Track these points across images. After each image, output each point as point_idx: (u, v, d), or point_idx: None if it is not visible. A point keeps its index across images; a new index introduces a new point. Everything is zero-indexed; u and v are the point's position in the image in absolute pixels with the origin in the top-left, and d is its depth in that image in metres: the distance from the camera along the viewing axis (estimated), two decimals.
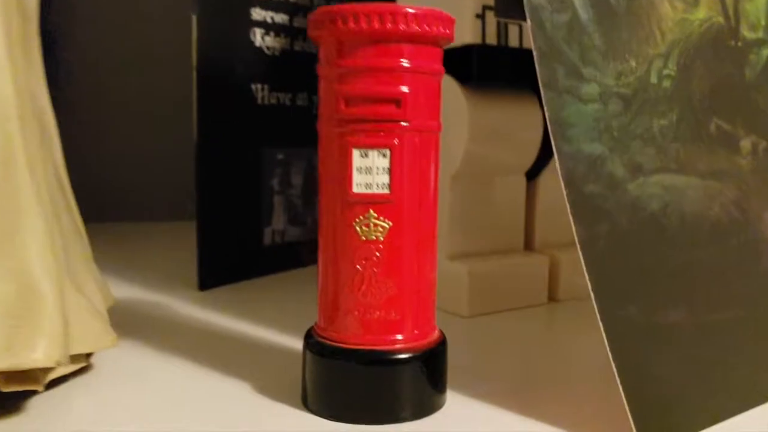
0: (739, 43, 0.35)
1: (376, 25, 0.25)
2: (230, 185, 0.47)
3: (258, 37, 0.48)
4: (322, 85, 0.27)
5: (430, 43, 0.26)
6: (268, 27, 0.48)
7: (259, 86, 0.48)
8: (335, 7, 0.25)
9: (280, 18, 0.49)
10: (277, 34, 0.49)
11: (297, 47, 0.51)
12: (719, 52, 0.34)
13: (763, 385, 0.30)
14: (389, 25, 0.25)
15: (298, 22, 0.50)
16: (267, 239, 0.50)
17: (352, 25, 0.25)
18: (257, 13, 0.48)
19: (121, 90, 0.72)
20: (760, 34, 0.37)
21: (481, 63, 0.40)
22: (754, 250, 0.33)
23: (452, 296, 0.41)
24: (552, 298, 0.45)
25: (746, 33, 0.36)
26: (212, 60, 0.45)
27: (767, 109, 0.36)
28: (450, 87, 0.40)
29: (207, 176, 0.45)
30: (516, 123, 0.42)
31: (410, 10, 0.25)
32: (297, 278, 0.51)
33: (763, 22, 0.37)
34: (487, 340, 0.38)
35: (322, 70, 0.27)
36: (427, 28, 0.25)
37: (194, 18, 0.44)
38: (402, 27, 0.25)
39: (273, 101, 0.49)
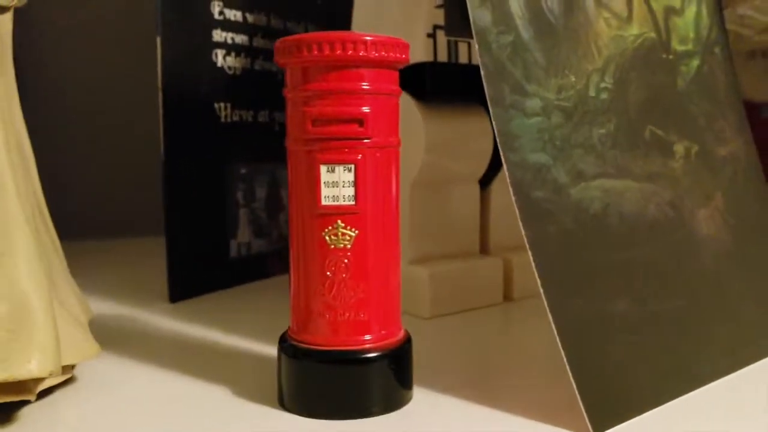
0: (671, 56, 0.38)
1: (339, 51, 0.27)
2: (197, 201, 0.49)
3: (220, 57, 0.50)
4: (290, 107, 0.29)
5: (388, 66, 0.28)
6: (228, 48, 0.50)
7: (222, 105, 0.50)
8: (300, 37, 0.27)
9: (240, 39, 0.51)
10: (237, 54, 0.51)
11: (257, 66, 0.53)
12: (652, 64, 0.37)
13: (704, 368, 0.33)
14: (350, 51, 0.27)
15: (257, 42, 0.53)
16: (233, 252, 0.52)
17: (316, 52, 0.27)
18: (218, 35, 0.49)
19: (87, 111, 0.73)
20: (690, 47, 0.40)
21: (434, 79, 0.43)
22: (689, 245, 0.36)
23: (414, 298, 0.44)
24: (507, 297, 0.48)
25: (677, 46, 0.39)
26: (177, 80, 0.47)
27: (698, 116, 0.39)
28: (406, 102, 0.43)
29: (174, 192, 0.47)
30: (468, 134, 0.44)
31: (368, 38, 0.27)
32: (263, 288, 0.53)
33: (692, 35, 0.40)
34: (447, 339, 0.40)
35: (289, 93, 0.29)
36: (384, 54, 0.28)
37: (158, 40, 0.45)
38: (362, 53, 0.27)
39: (236, 119, 0.51)
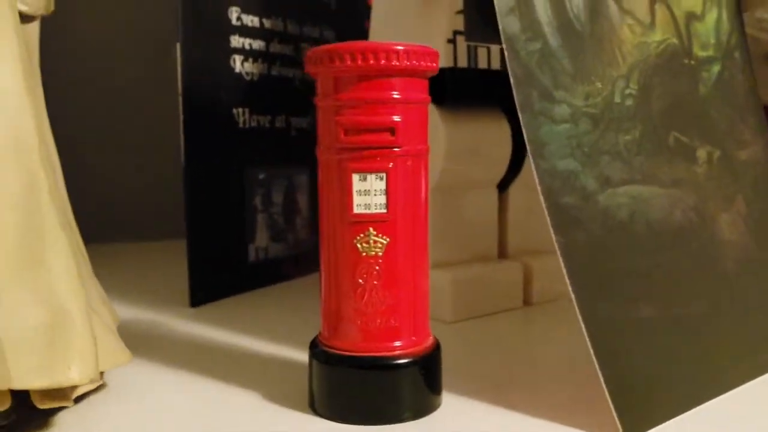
0: (693, 62, 0.39)
1: (371, 61, 0.27)
2: (216, 206, 0.49)
3: (237, 63, 0.50)
4: (321, 116, 0.29)
5: (418, 75, 0.29)
6: (246, 53, 0.51)
7: (240, 110, 0.50)
8: (332, 46, 0.28)
9: (258, 44, 0.51)
10: (255, 60, 0.51)
11: (274, 72, 0.53)
12: (675, 70, 0.37)
13: (726, 373, 0.33)
14: (382, 61, 0.27)
15: (274, 48, 0.53)
16: (252, 256, 0.52)
17: (348, 62, 0.27)
18: (236, 41, 0.50)
19: (111, 117, 0.74)
20: (711, 52, 0.40)
21: (454, 85, 0.43)
22: (713, 251, 0.36)
23: (436, 303, 0.44)
24: (527, 301, 0.48)
25: (698, 52, 0.39)
26: (196, 86, 0.47)
27: (720, 121, 0.39)
28: None
29: (195, 198, 0.47)
30: (487, 140, 0.45)
31: (399, 47, 0.27)
32: (281, 291, 0.53)
33: (713, 41, 0.40)
34: (471, 343, 0.40)
35: (321, 102, 0.29)
36: (415, 63, 0.28)
37: (178, 47, 0.46)
38: (394, 63, 0.27)
39: (254, 124, 0.52)
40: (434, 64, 0.29)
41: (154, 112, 0.67)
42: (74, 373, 0.26)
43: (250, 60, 0.51)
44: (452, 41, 0.43)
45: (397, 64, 0.27)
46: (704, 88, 0.39)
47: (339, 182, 0.29)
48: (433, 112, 0.43)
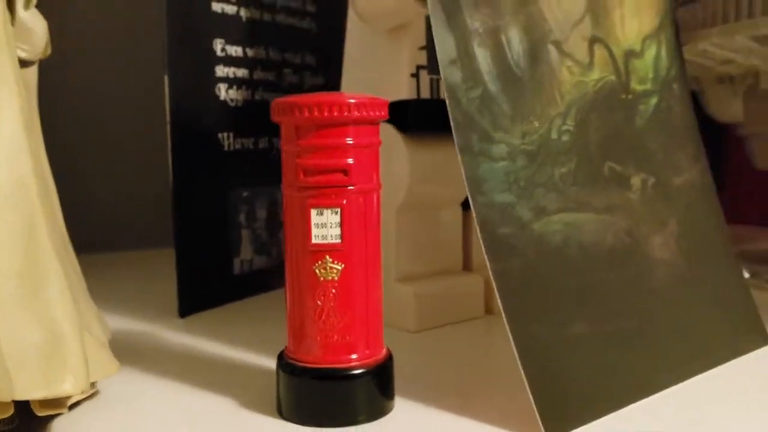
0: (630, 96, 0.43)
1: (326, 113, 0.31)
2: (202, 222, 0.53)
3: (222, 91, 0.54)
4: (284, 158, 0.33)
5: (369, 123, 0.33)
6: (230, 81, 0.55)
7: (225, 134, 0.54)
8: (293, 99, 0.32)
9: (241, 72, 0.55)
10: (239, 87, 0.55)
11: (257, 97, 0.57)
12: (612, 105, 0.41)
13: (657, 379, 0.37)
14: (335, 113, 0.31)
15: (257, 75, 0.57)
16: (237, 269, 0.56)
17: (306, 114, 0.31)
18: (221, 70, 0.54)
19: (102, 130, 0.78)
20: (649, 86, 0.44)
21: (417, 114, 0.47)
22: (644, 270, 0.40)
23: (401, 314, 0.48)
24: (489, 311, 0.52)
25: (636, 86, 0.43)
26: (183, 114, 0.51)
27: (656, 150, 0.43)
28: (392, 134, 0.47)
29: (182, 217, 0.51)
30: (450, 162, 0.48)
31: (352, 100, 0.31)
32: (264, 301, 0.57)
33: (651, 75, 0.44)
34: (431, 352, 0.44)
35: (284, 146, 0.33)
36: (365, 113, 0.32)
37: (165, 78, 0.50)
38: (345, 114, 0.31)
39: (238, 146, 0.56)
40: (383, 113, 0.33)
41: (145, 124, 0.71)
42: (68, 386, 0.30)
43: (234, 87, 0.55)
44: (415, 75, 0.47)
45: (349, 114, 0.32)
46: (641, 120, 0.43)
47: (300, 216, 0.33)
48: (398, 139, 0.47)
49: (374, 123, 0.33)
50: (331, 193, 0.32)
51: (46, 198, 0.36)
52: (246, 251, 0.57)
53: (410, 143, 0.47)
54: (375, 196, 0.34)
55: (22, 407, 0.31)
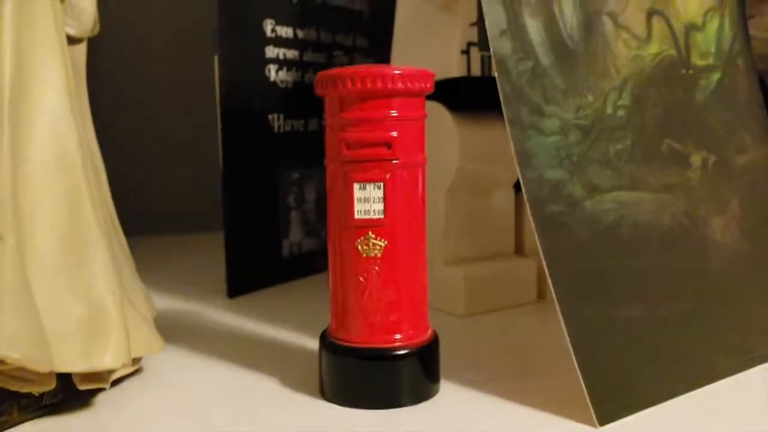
0: (690, 71, 0.41)
1: (369, 85, 0.30)
2: (253, 204, 0.53)
3: (272, 72, 0.54)
4: (328, 132, 0.33)
5: (413, 95, 0.32)
6: (280, 63, 0.54)
7: (275, 116, 0.54)
8: (337, 71, 0.31)
9: (291, 54, 0.55)
10: (289, 69, 0.55)
11: (307, 79, 0.56)
12: (671, 80, 0.40)
13: (714, 368, 0.36)
14: (379, 84, 0.30)
15: (307, 57, 0.56)
16: (285, 251, 0.56)
17: (350, 86, 0.31)
18: (271, 51, 0.53)
19: (153, 120, 0.78)
20: (710, 61, 0.42)
21: (467, 92, 0.46)
22: (703, 252, 0.38)
23: (449, 298, 0.47)
24: (541, 296, 0.51)
25: (697, 61, 0.41)
26: (233, 96, 0.51)
27: (717, 127, 0.41)
28: (442, 114, 0.46)
29: (232, 199, 0.51)
30: (500, 142, 0.47)
31: (396, 72, 0.31)
32: (312, 283, 0.57)
33: (713, 50, 0.42)
34: (480, 336, 0.43)
35: (328, 119, 0.32)
36: (410, 85, 0.31)
37: (216, 59, 0.50)
38: (389, 86, 0.30)
39: (288, 128, 0.55)
40: (428, 85, 0.32)
41: (195, 109, 0.71)
42: (108, 360, 0.30)
43: (285, 69, 0.55)
44: (466, 52, 0.46)
45: (393, 86, 0.31)
46: (702, 96, 0.41)
47: (342, 191, 0.32)
48: (447, 117, 0.46)
49: (419, 95, 0.32)
50: (375, 167, 0.31)
51: (93, 174, 0.36)
52: (295, 233, 0.57)
53: (460, 122, 0.46)
54: (420, 172, 0.33)
55: (65, 381, 0.31)
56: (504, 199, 0.50)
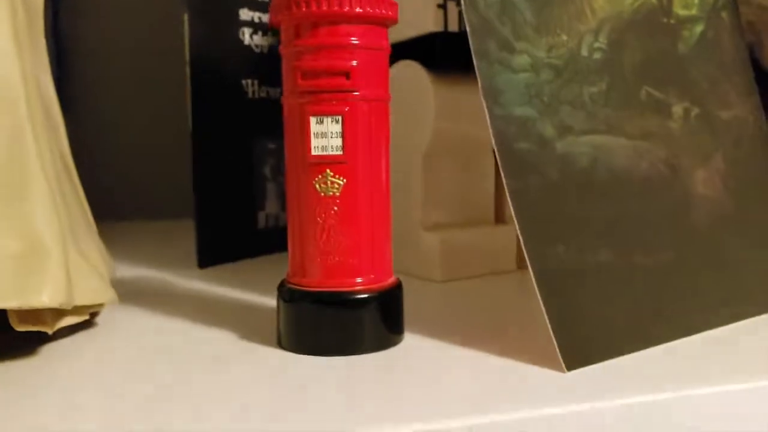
0: (672, 20, 0.39)
1: (325, 7, 0.29)
2: (225, 173, 0.51)
3: (247, 36, 0.52)
4: (284, 63, 0.31)
5: (375, 23, 0.30)
6: (255, 26, 0.53)
7: (249, 81, 0.52)
8: None
9: (267, 18, 0.53)
10: (264, 33, 0.53)
11: None
12: (651, 28, 0.38)
13: (691, 320, 0.34)
14: (336, 7, 0.29)
15: None
16: (261, 223, 0.54)
17: (305, 8, 0.29)
18: (245, 14, 0.52)
19: (117, 87, 0.76)
20: (694, 12, 0.40)
21: (444, 48, 0.44)
22: (684, 204, 0.36)
23: (426, 263, 0.45)
24: (521, 266, 0.49)
25: (679, 11, 0.40)
26: (204, 57, 0.49)
27: (700, 80, 0.40)
28: (417, 72, 0.44)
29: (203, 165, 0.49)
30: (480, 103, 0.46)
31: None
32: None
33: (696, 1, 0.41)
34: (455, 300, 0.41)
35: (283, 49, 0.31)
36: (369, 10, 0.29)
37: (185, 17, 0.48)
38: (347, 9, 0.29)
39: (263, 95, 0.54)
40: (390, 13, 0.30)
41: (163, 67, 0.69)
42: (45, 297, 0.28)
43: (260, 33, 0.53)
44: (443, 6, 0.44)
45: (350, 9, 0.29)
46: (684, 46, 0.39)
47: (299, 125, 0.30)
48: (422, 75, 0.44)
49: (381, 23, 0.31)
50: (332, 99, 0.30)
51: (44, 116, 0.34)
52: (271, 205, 0.55)
53: (436, 80, 0.44)
54: (383, 108, 0.31)
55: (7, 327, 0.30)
56: (484, 164, 0.48)
